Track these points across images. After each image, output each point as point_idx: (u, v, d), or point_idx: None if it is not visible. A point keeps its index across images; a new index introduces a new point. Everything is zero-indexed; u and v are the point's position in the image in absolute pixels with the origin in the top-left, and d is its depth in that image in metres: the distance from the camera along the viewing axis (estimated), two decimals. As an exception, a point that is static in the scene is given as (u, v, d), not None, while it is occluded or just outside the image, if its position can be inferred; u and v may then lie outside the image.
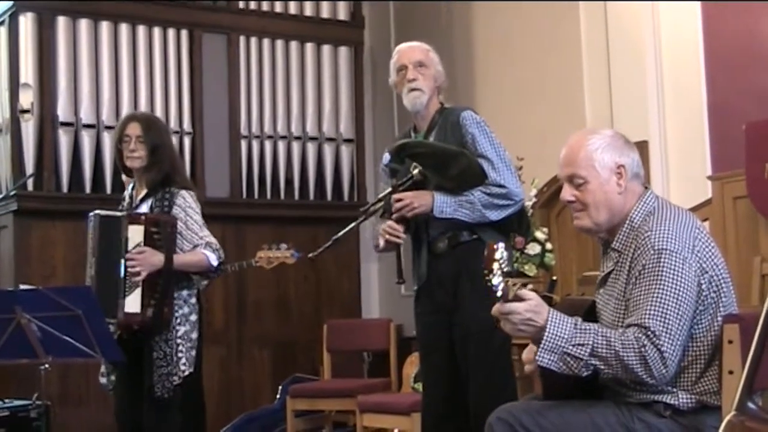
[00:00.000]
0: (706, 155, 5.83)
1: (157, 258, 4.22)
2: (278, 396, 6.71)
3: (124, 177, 4.69)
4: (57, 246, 6.56)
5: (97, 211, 4.40)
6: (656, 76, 6.12)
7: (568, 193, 2.88)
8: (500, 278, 2.55)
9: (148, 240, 4.23)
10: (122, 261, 4.22)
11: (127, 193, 4.57)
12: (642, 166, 2.92)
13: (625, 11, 6.28)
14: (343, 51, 7.69)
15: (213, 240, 4.38)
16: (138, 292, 4.21)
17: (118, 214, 4.35)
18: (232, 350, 7.13)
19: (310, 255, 4.21)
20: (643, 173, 2.92)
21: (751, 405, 2.35)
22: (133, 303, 4.22)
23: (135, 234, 4.23)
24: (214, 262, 4.36)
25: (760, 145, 4.85)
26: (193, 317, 4.37)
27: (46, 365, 4.04)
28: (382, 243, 3.96)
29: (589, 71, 6.51)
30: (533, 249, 5.78)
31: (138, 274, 4.20)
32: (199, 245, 4.33)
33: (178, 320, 4.31)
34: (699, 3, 5.91)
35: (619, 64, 6.31)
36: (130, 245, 4.22)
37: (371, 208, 4.10)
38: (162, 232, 4.25)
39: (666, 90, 6.11)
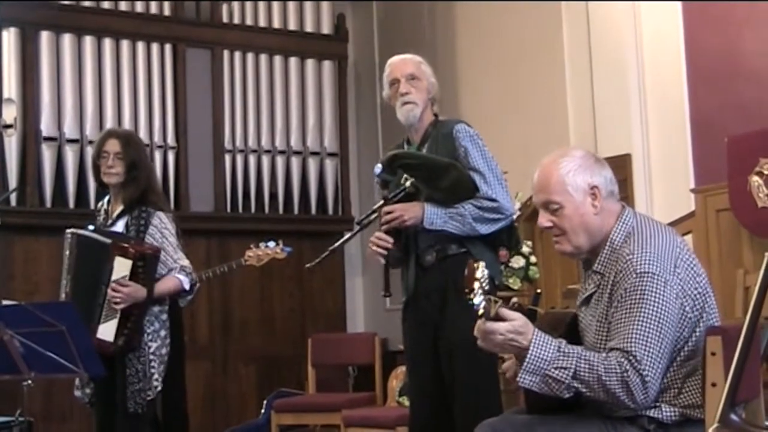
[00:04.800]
0: (689, 168, 5.85)
1: (140, 293, 4.24)
2: (263, 410, 6.69)
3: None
4: (40, 261, 6.53)
5: (78, 231, 4.37)
6: (639, 90, 6.15)
7: (544, 219, 2.87)
8: (481, 297, 2.53)
9: (133, 275, 4.23)
10: (103, 288, 4.23)
11: (102, 206, 4.55)
12: (616, 182, 2.89)
13: (608, 25, 6.32)
14: (327, 65, 7.70)
15: (186, 263, 4.41)
16: (114, 322, 4.22)
17: (107, 241, 4.29)
18: (217, 365, 7.11)
19: (308, 265, 4.24)
20: (617, 190, 2.89)
21: (734, 417, 2.35)
22: (107, 331, 4.23)
23: (121, 266, 4.22)
24: (187, 286, 4.40)
25: (742, 159, 4.87)
26: (163, 332, 4.38)
27: (29, 381, 4.02)
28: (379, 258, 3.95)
29: (572, 85, 6.54)
30: (518, 262, 5.80)
31: (118, 304, 4.21)
32: (174, 269, 4.36)
33: (150, 336, 4.34)
34: (681, 18, 5.95)
35: (602, 78, 6.34)
36: (114, 275, 4.22)
37: (365, 219, 4.09)
38: (147, 267, 4.27)
39: (649, 104, 6.15)
